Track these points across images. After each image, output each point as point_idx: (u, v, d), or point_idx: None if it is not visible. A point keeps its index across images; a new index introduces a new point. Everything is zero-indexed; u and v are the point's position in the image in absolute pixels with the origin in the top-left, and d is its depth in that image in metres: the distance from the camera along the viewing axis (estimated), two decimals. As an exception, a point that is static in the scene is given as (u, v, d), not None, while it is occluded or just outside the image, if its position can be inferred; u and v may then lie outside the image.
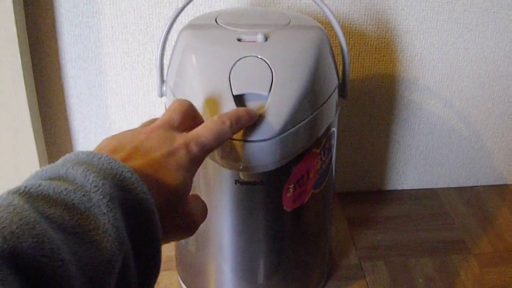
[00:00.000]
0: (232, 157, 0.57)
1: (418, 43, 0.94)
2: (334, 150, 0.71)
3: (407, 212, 1.01)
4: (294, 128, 0.58)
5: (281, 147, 0.57)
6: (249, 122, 0.53)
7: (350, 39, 0.92)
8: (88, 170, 0.34)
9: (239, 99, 0.57)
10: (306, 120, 0.59)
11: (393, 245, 0.92)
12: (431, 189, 1.07)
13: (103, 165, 0.35)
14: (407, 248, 0.91)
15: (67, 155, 0.37)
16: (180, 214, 0.42)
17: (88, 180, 0.34)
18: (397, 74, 0.96)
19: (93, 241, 0.32)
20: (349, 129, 0.99)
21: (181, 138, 0.43)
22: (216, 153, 0.57)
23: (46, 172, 0.35)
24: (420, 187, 1.07)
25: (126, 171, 0.35)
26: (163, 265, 0.86)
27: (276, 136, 0.56)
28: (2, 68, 0.83)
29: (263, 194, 0.66)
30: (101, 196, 0.33)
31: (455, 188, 1.07)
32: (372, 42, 0.93)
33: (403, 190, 1.07)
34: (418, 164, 1.05)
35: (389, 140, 1.02)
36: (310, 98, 0.59)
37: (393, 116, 1.00)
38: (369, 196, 1.06)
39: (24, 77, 0.84)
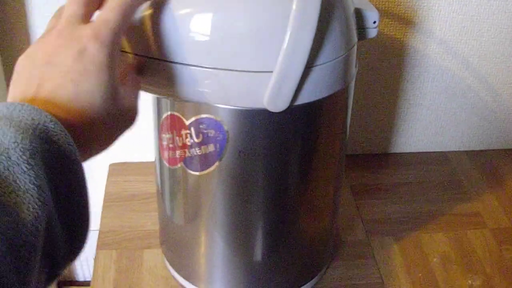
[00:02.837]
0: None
1: (437, -9, 0.83)
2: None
3: (416, 178, 0.92)
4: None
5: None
6: None
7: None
8: (6, 125, 0.33)
9: None
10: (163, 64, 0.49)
11: (403, 217, 0.84)
12: (441, 152, 0.98)
13: (24, 116, 0.34)
14: (419, 222, 0.83)
15: None
16: (118, 111, 0.42)
17: (6, 136, 0.32)
18: (411, 25, 0.85)
19: (13, 203, 0.30)
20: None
21: (88, 32, 0.40)
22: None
23: None
24: (429, 149, 0.98)
25: (48, 121, 0.34)
26: (144, 243, 0.77)
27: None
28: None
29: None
30: (21, 153, 0.32)
31: (465, 151, 0.99)
32: (386, -11, 0.82)
33: (410, 153, 0.98)
34: (429, 125, 0.95)
35: (398, 98, 0.92)
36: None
37: (404, 72, 0.90)
38: (374, 159, 0.96)
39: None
